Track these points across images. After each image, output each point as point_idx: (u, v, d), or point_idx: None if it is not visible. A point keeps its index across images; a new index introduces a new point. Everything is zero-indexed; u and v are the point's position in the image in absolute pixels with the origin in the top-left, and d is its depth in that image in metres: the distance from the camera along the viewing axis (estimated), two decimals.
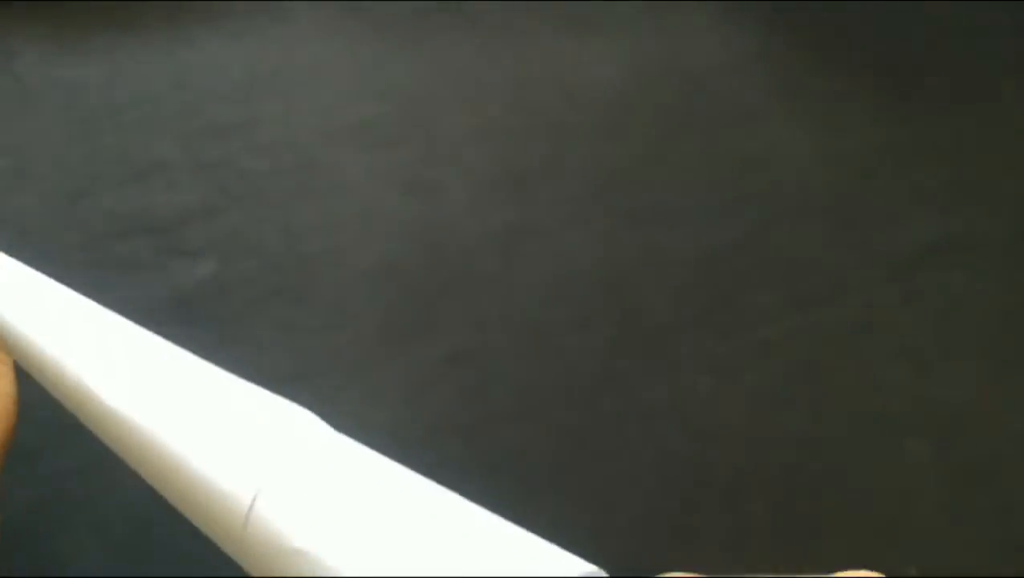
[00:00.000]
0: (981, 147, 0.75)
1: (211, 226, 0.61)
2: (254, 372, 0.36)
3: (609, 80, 0.74)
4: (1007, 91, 0.79)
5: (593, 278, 0.63)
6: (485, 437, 0.56)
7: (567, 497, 0.55)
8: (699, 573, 0.30)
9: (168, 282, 0.58)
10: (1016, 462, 0.59)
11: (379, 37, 0.72)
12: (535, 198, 0.66)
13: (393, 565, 0.25)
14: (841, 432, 0.59)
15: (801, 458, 0.58)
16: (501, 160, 0.67)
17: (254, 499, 0.27)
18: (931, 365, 0.63)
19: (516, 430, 0.56)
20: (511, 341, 0.59)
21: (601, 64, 0.75)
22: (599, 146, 0.70)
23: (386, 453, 0.55)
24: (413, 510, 0.29)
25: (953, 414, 0.61)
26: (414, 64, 0.71)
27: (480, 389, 0.58)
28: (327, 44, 0.71)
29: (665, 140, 0.71)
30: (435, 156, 0.67)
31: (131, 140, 0.63)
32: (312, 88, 0.68)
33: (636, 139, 0.71)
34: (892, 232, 0.69)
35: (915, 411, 0.61)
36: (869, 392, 0.61)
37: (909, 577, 0.53)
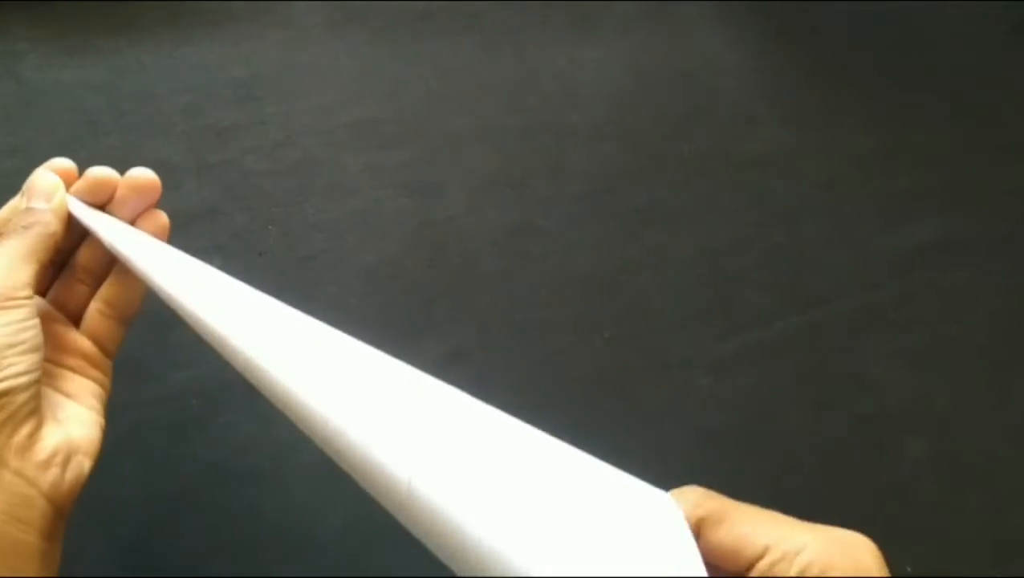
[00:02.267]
0: (979, 148, 0.75)
1: (214, 227, 0.61)
2: None
3: (609, 81, 0.74)
4: (1006, 91, 0.79)
5: (593, 278, 0.64)
6: None
7: None
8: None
9: None
10: (1013, 460, 0.59)
11: (379, 38, 0.73)
12: (535, 198, 0.66)
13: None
14: (840, 431, 0.59)
15: (800, 456, 0.58)
16: (501, 160, 0.67)
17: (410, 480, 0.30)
18: (929, 364, 0.63)
19: None
20: (511, 341, 0.60)
21: (601, 65, 0.75)
22: (599, 146, 0.70)
23: None
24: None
25: (951, 413, 0.61)
26: (414, 65, 0.72)
27: (480, 389, 0.58)
28: (328, 45, 0.71)
29: (665, 140, 0.71)
30: (435, 156, 0.67)
31: (135, 142, 0.63)
32: (313, 89, 0.68)
33: (636, 139, 0.71)
34: (890, 232, 0.69)
35: (913, 410, 0.61)
36: (867, 391, 0.61)
37: (905, 576, 0.53)
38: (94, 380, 0.39)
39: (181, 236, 0.61)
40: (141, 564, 0.44)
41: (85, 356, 0.39)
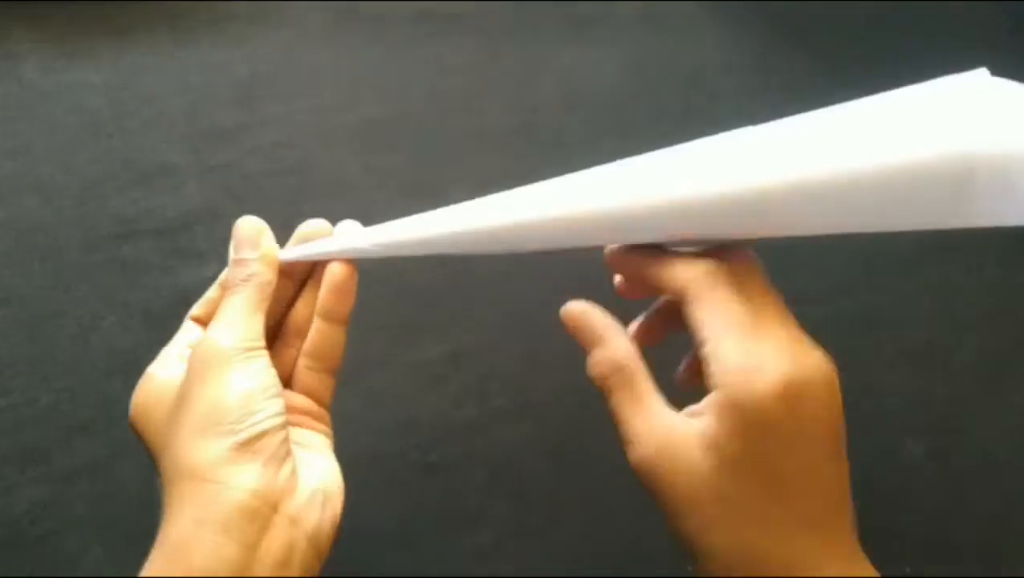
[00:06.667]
0: None
1: (215, 228, 0.61)
2: None
3: (609, 80, 0.74)
4: None
5: (593, 277, 0.63)
6: (485, 437, 0.56)
7: (566, 496, 0.55)
8: None
9: (174, 283, 0.59)
10: (1013, 461, 0.59)
11: (379, 39, 0.73)
12: None
13: None
14: None
15: None
16: (501, 160, 0.68)
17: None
18: (930, 365, 0.63)
19: (516, 430, 0.57)
20: (511, 341, 0.60)
21: (601, 65, 0.75)
22: (599, 146, 0.70)
23: (386, 451, 0.56)
24: None
25: (951, 414, 0.61)
26: (414, 65, 0.72)
27: (480, 389, 0.58)
28: (328, 47, 0.71)
29: (665, 140, 0.71)
30: (435, 157, 0.67)
31: (136, 143, 0.63)
32: (313, 90, 0.69)
33: (636, 139, 0.71)
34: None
35: (914, 411, 0.61)
36: (866, 392, 0.61)
37: (904, 577, 0.53)
38: (320, 432, 0.39)
39: (183, 238, 0.62)
40: (141, 564, 0.43)
41: (305, 411, 0.39)
